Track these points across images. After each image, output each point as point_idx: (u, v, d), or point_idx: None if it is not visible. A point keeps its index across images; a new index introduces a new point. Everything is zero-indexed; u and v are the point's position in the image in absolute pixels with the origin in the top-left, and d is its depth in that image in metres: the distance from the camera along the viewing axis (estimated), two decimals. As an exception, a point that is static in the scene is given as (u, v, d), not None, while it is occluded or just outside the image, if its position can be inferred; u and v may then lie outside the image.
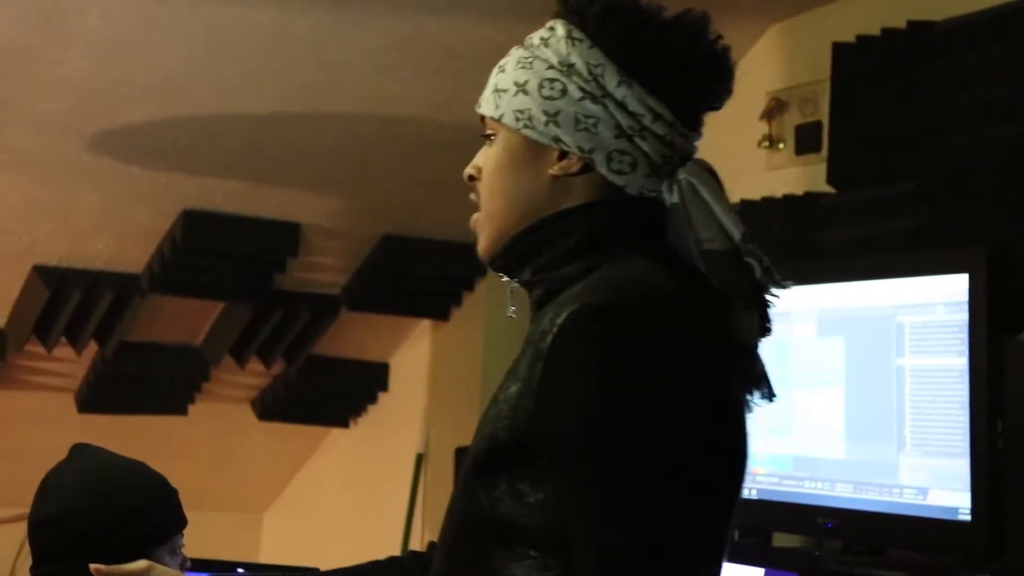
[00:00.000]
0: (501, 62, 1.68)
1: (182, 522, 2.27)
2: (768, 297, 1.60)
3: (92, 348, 4.81)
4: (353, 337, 5.11)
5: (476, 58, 3.87)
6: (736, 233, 1.57)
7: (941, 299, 2.93)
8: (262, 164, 4.23)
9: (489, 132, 1.69)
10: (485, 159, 1.69)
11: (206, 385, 5.13)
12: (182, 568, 2.20)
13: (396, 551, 4.91)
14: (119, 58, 3.73)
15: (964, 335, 2.86)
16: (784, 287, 1.59)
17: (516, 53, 1.67)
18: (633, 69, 1.60)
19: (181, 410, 5.15)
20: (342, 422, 5.45)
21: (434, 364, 5.14)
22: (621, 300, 1.51)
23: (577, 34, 1.61)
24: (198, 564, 2.35)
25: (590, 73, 1.60)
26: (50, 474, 2.27)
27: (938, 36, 3.28)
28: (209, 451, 5.43)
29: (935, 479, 2.93)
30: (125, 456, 2.31)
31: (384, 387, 5.34)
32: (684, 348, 1.51)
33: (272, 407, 5.30)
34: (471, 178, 1.72)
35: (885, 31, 3.40)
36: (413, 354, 5.22)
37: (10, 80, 3.74)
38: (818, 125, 3.67)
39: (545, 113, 1.61)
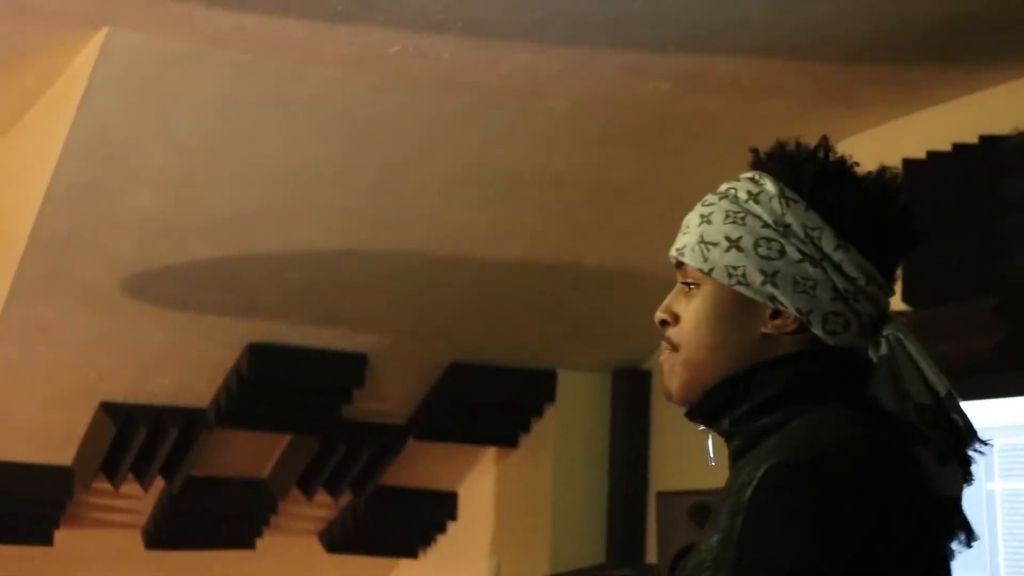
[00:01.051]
0: (702, 211, 1.68)
1: None
2: (971, 452, 1.61)
3: (159, 484, 4.77)
4: (421, 466, 5.05)
5: (539, 185, 3.87)
6: (942, 388, 1.59)
7: (1029, 420, 2.84)
8: (327, 296, 4.22)
9: (689, 280, 1.67)
10: (682, 307, 1.68)
11: (274, 519, 5.07)
12: None
13: None
14: (184, 194, 3.75)
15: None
16: (986, 443, 1.62)
17: (721, 205, 1.66)
18: (850, 233, 1.62)
19: (249, 544, 5.09)
20: (411, 553, 5.37)
21: (503, 492, 5.06)
22: (820, 455, 1.51)
23: (790, 194, 1.64)
24: None
25: (807, 235, 1.62)
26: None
27: (1011, 150, 3.23)
28: (278, 585, 5.36)
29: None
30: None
31: (453, 516, 5.26)
32: (885, 500, 1.51)
33: (340, 539, 5.23)
34: (663, 323, 1.70)
35: (956, 146, 3.35)
36: (482, 482, 5.15)
37: (77, 216, 3.76)
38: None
39: (762, 272, 1.62)
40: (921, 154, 3.43)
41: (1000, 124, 3.29)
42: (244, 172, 3.70)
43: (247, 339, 4.31)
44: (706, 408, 1.66)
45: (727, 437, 1.66)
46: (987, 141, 3.29)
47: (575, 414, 4.80)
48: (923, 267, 3.35)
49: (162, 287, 4.05)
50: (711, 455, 1.77)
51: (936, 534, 1.58)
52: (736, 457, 1.63)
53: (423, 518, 5.25)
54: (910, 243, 1.67)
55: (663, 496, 3.83)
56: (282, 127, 3.58)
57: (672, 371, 1.68)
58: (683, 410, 1.70)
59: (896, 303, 3.61)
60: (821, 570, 1.46)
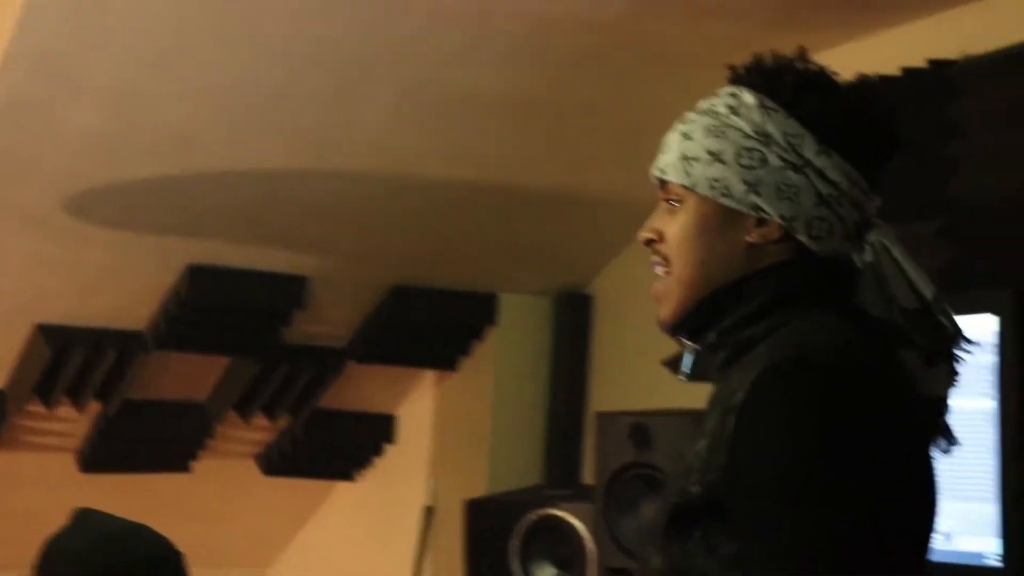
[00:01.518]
0: (682, 128, 1.70)
1: None
2: (958, 353, 1.65)
3: (94, 407, 4.74)
4: (360, 390, 5.06)
5: (489, 109, 3.85)
6: (928, 292, 1.62)
7: (970, 340, 2.88)
8: (270, 219, 4.19)
9: (672, 198, 1.69)
10: (667, 225, 1.69)
11: (210, 442, 5.06)
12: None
13: (405, 606, 4.84)
14: (126, 112, 3.69)
15: (993, 377, 2.82)
16: (973, 343, 1.66)
17: (701, 121, 1.68)
18: (831, 138, 1.64)
19: (184, 467, 5.08)
20: (348, 476, 5.38)
21: (442, 415, 5.08)
22: (812, 355, 1.54)
23: (769, 103, 1.65)
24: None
25: (788, 143, 1.64)
26: (53, 539, 2.25)
27: (960, 74, 3.25)
28: (213, 508, 5.35)
29: (962, 524, 2.88)
30: (128, 519, 2.28)
31: (391, 440, 5.28)
32: (876, 401, 1.53)
33: (277, 462, 5.23)
34: (649, 241, 1.72)
35: (906, 70, 3.37)
36: (421, 405, 5.17)
37: (17, 133, 3.70)
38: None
39: (744, 182, 1.64)
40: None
41: (949, 48, 3.31)
42: (188, 90, 3.65)
43: (187, 260, 4.28)
44: (693, 321, 1.67)
45: (713, 349, 1.67)
46: (936, 65, 3.31)
47: (516, 338, 4.82)
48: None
49: (102, 206, 4.00)
50: (686, 370, 1.77)
51: (923, 434, 1.61)
52: (722, 368, 1.65)
53: (361, 441, 5.26)
54: (892, 149, 1.69)
55: (602, 417, 3.86)
56: (228, 44, 3.53)
57: (668, 294, 1.69)
58: (668, 328, 1.70)
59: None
60: (817, 468, 1.48)
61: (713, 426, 1.57)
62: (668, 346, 4.18)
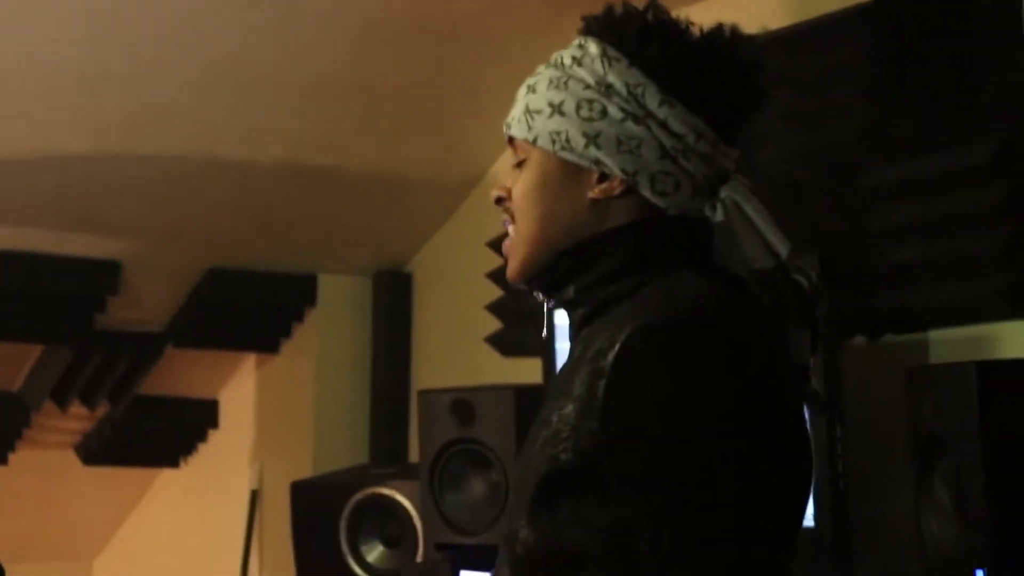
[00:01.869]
0: (529, 81, 1.65)
1: None
2: (818, 314, 1.58)
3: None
4: (180, 375, 4.98)
5: (298, 86, 3.82)
6: (783, 250, 1.56)
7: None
8: (79, 202, 4.10)
9: (520, 155, 1.65)
10: (516, 181, 1.65)
11: (27, 432, 4.95)
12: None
13: (233, 591, 4.80)
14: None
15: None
16: (831, 303, 1.61)
17: (546, 73, 1.64)
18: (675, 88, 1.57)
19: (1, 459, 4.95)
20: (172, 462, 5.30)
21: (265, 398, 5.04)
22: (685, 317, 1.49)
23: (613, 53, 1.59)
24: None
25: (630, 93, 1.58)
26: None
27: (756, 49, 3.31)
28: (33, 500, 5.24)
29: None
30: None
31: (214, 424, 5.21)
32: (747, 362, 1.49)
33: (97, 451, 5.13)
34: (499, 200, 1.68)
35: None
36: (243, 389, 5.11)
37: None
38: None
39: (584, 135, 1.58)
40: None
41: (749, 24, 3.36)
42: (-12, 72, 3.56)
43: (-15, 246, 4.17)
44: (550, 277, 1.63)
45: (570, 306, 1.63)
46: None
47: (336, 318, 4.79)
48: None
49: None
50: (545, 327, 1.74)
51: (787, 396, 1.55)
52: (581, 326, 1.61)
53: (183, 427, 5.19)
54: (748, 101, 1.62)
55: (424, 394, 3.86)
56: (26, 23, 3.43)
57: (512, 251, 1.66)
58: (517, 281, 1.67)
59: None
60: (692, 434, 1.44)
61: (581, 390, 1.51)
62: (490, 323, 4.24)
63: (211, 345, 4.81)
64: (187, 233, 4.39)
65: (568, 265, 1.62)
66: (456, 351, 4.52)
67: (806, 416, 1.58)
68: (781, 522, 1.51)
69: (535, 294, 1.68)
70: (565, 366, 1.60)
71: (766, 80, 1.63)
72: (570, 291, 1.62)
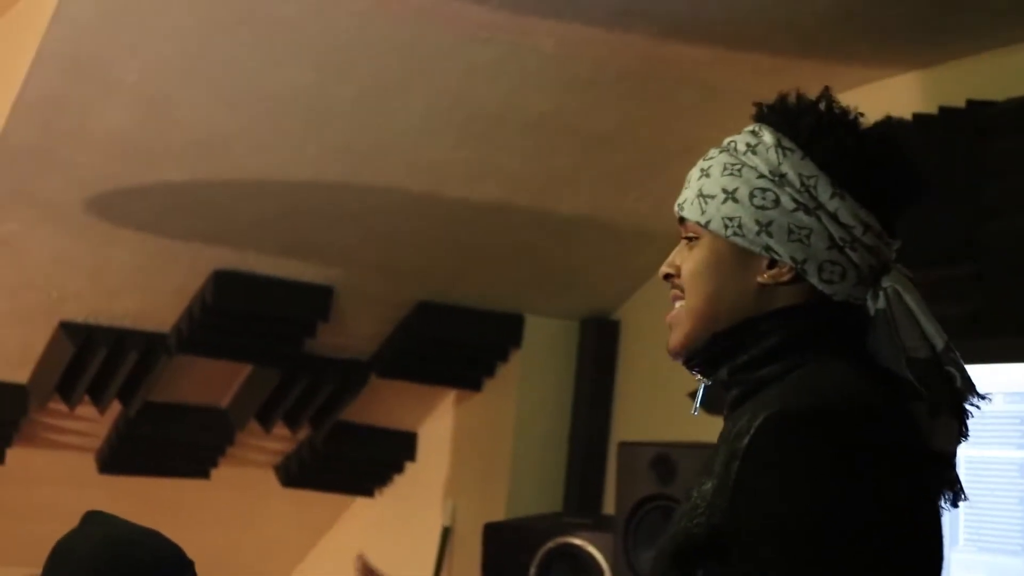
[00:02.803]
0: (702, 164, 1.70)
1: None
2: (967, 406, 1.62)
3: (115, 407, 4.72)
4: (382, 405, 5.02)
5: (519, 126, 3.82)
6: (939, 343, 1.60)
7: (1000, 388, 2.82)
8: (298, 227, 4.17)
9: (690, 234, 1.70)
10: (685, 259, 1.70)
11: (230, 449, 5.03)
12: (200, 640, 2.13)
13: (418, 627, 4.80)
14: (157, 114, 3.68)
15: (1023, 427, 2.76)
16: (984, 398, 1.63)
17: (720, 158, 1.69)
18: (846, 181, 1.62)
19: (203, 474, 5.05)
20: (367, 491, 5.34)
21: (462, 435, 5.04)
22: (821, 405, 1.53)
23: (787, 143, 1.64)
24: (216, 635, 2.26)
25: (803, 184, 1.63)
26: (63, 541, 2.22)
27: (998, 116, 3.20)
28: (230, 517, 5.33)
29: (990, 577, 2.81)
30: (140, 525, 2.26)
31: (412, 457, 5.23)
32: (881, 456, 1.52)
33: (296, 473, 5.20)
34: (667, 276, 1.73)
35: (943, 109, 3.32)
36: (442, 424, 5.13)
37: (46, 130, 3.69)
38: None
39: (757, 222, 1.63)
40: (907, 115, 3.39)
41: (987, 90, 3.27)
42: (219, 94, 3.64)
43: (213, 265, 4.26)
44: (706, 355, 1.67)
45: (725, 387, 1.67)
46: (973, 105, 3.26)
47: (540, 360, 4.77)
48: (905, 229, 3.32)
49: (129, 208, 3.99)
50: (697, 405, 1.77)
51: (929, 489, 1.58)
52: (733, 407, 1.64)
53: (381, 457, 5.22)
54: (910, 194, 1.66)
55: (625, 446, 3.81)
56: (260, 49, 3.51)
57: (676, 323, 1.70)
58: (680, 359, 1.70)
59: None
60: (818, 521, 1.46)
61: (719, 468, 1.56)
62: (693, 378, 4.16)
63: (414, 378, 4.84)
64: (399, 265, 4.42)
65: (725, 345, 1.66)
66: (658, 404, 4.45)
67: (942, 502, 1.61)
68: None
69: (693, 372, 1.72)
70: (716, 444, 1.63)
71: (923, 176, 1.68)
72: (724, 372, 1.67)
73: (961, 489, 1.62)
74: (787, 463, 1.50)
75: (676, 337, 1.69)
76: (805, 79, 3.72)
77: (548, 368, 4.77)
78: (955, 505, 1.62)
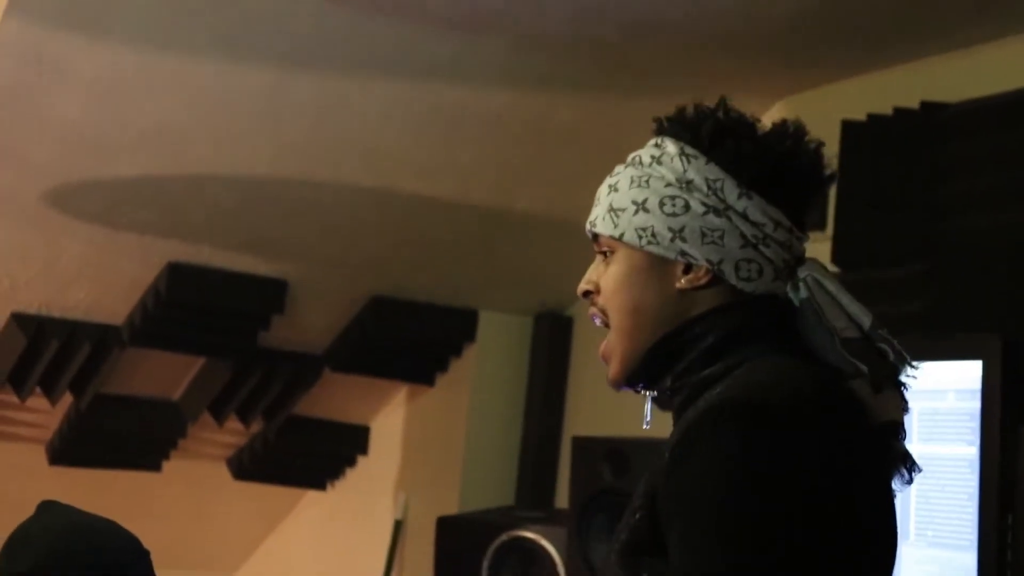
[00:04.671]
0: (609, 181, 1.74)
1: None
2: (904, 379, 1.64)
3: (67, 399, 4.70)
4: (335, 399, 5.02)
5: (474, 124, 3.83)
6: (866, 321, 1.64)
7: (952, 386, 2.85)
8: (253, 221, 4.16)
9: (604, 249, 1.72)
10: (602, 276, 1.72)
11: (182, 442, 5.01)
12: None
13: (369, 620, 4.80)
14: (113, 106, 3.66)
15: (975, 424, 2.79)
16: (916, 368, 1.66)
17: (627, 173, 1.72)
18: (751, 181, 1.66)
19: (155, 466, 5.03)
20: (319, 484, 5.34)
21: (415, 429, 5.05)
22: (759, 397, 1.55)
23: (690, 150, 1.67)
24: (167, 627, 2.27)
25: (709, 188, 1.66)
26: (20, 530, 2.21)
27: (952, 118, 3.25)
28: (182, 509, 5.31)
29: (941, 572, 2.85)
30: (95, 515, 2.25)
31: (364, 451, 5.24)
32: (819, 449, 1.53)
33: (248, 466, 5.18)
34: (586, 293, 1.75)
35: (897, 111, 3.36)
36: (395, 418, 5.13)
37: (1, 122, 3.66)
38: (823, 202, 3.61)
39: (669, 229, 1.66)
40: (862, 116, 3.43)
41: (942, 92, 3.30)
42: (176, 88, 3.62)
43: (167, 258, 4.24)
44: (646, 371, 1.69)
45: (671, 394, 1.68)
46: (927, 107, 3.29)
47: (494, 355, 4.79)
48: (857, 230, 3.36)
49: (84, 200, 3.96)
50: (647, 418, 1.78)
51: (879, 469, 1.61)
52: (680, 411, 1.65)
53: (334, 451, 5.22)
54: (816, 187, 1.71)
55: (578, 441, 3.83)
56: (217, 44, 3.49)
57: (610, 354, 1.72)
58: (622, 386, 1.72)
59: (828, 266, 3.65)
60: (748, 496, 1.48)
61: (660, 463, 1.58)
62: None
63: (368, 372, 4.84)
64: (354, 259, 4.42)
65: (661, 356, 1.68)
66: (611, 400, 4.44)
67: (895, 478, 1.64)
68: None
69: (638, 391, 1.74)
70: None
71: (828, 170, 1.72)
72: (667, 380, 1.69)
73: (914, 463, 1.65)
74: (716, 448, 1.51)
75: (613, 368, 1.71)
76: (761, 81, 3.78)
77: (502, 363, 4.79)
78: (910, 481, 1.64)
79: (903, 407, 1.65)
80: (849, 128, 3.44)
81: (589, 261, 1.76)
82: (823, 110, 3.63)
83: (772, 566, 1.46)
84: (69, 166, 3.84)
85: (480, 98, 3.73)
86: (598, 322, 1.74)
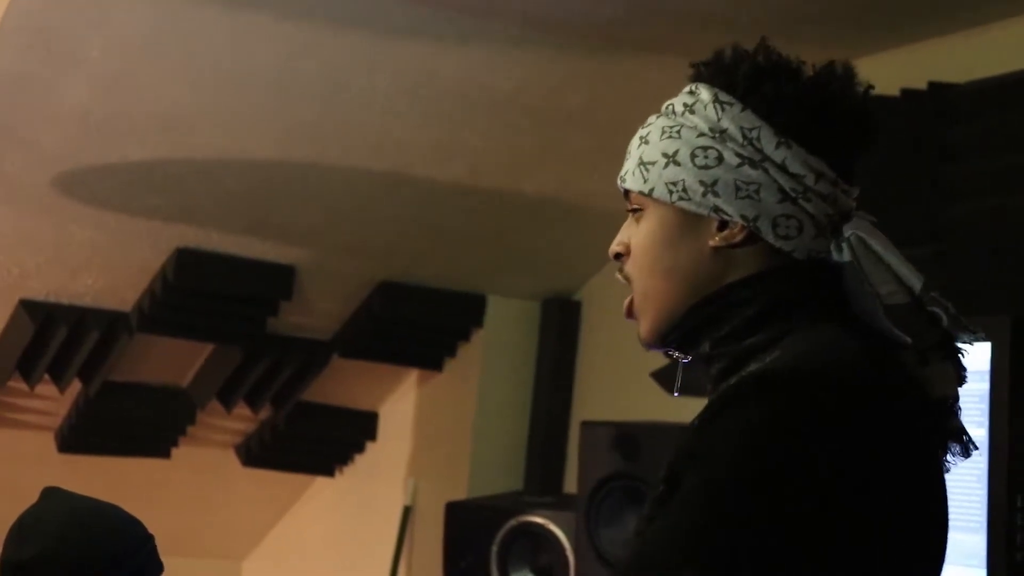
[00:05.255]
0: (641, 132, 1.62)
1: (159, 568, 2.22)
2: (959, 345, 1.53)
3: (76, 386, 4.70)
4: (343, 385, 5.02)
5: (485, 106, 3.82)
6: (916, 283, 1.52)
7: (961, 368, 2.84)
8: (261, 206, 4.16)
9: (635, 207, 1.61)
10: (633, 234, 1.61)
11: (191, 428, 5.02)
12: (158, 616, 2.14)
13: (379, 606, 4.80)
14: (121, 91, 3.65)
15: (984, 406, 2.78)
16: (975, 333, 1.54)
17: (659, 123, 1.60)
18: (790, 129, 1.53)
19: (164, 453, 5.04)
20: (328, 471, 5.34)
21: (424, 415, 5.05)
22: (807, 369, 1.43)
23: (725, 97, 1.56)
24: (175, 613, 2.27)
25: (745, 137, 1.54)
26: (26, 515, 2.23)
27: (960, 98, 3.23)
28: (190, 496, 5.32)
29: (950, 555, 2.82)
30: (99, 500, 2.26)
31: (373, 436, 5.24)
32: (861, 421, 1.41)
33: (257, 453, 5.19)
34: (617, 256, 1.63)
35: (905, 91, 3.34)
36: (403, 404, 5.13)
37: (8, 107, 3.66)
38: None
39: (701, 183, 1.54)
40: (870, 98, 3.42)
41: (948, 72, 3.29)
42: (185, 72, 3.62)
43: (175, 243, 4.24)
44: (683, 330, 1.58)
45: (707, 361, 1.57)
46: (935, 87, 3.28)
47: (502, 340, 4.78)
48: (866, 211, 3.34)
49: (92, 185, 3.97)
50: (677, 384, 1.69)
51: (927, 445, 1.50)
52: (718, 381, 1.55)
53: (342, 437, 5.22)
54: (861, 136, 1.58)
55: (587, 426, 3.83)
56: (224, 25, 3.49)
57: (641, 312, 1.60)
58: (655, 346, 1.61)
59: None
60: (774, 487, 1.37)
61: (692, 430, 1.48)
62: (656, 359, 4.18)
63: (376, 357, 4.84)
64: (362, 244, 4.42)
65: (700, 319, 1.56)
66: (620, 384, 4.47)
67: (946, 455, 1.54)
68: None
69: (669, 353, 1.63)
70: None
71: (875, 116, 1.59)
72: (705, 346, 1.57)
73: (969, 439, 1.54)
74: (747, 418, 1.40)
75: (645, 326, 1.60)
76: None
77: (510, 348, 4.79)
78: (966, 455, 1.54)
79: (957, 378, 1.54)
80: (857, 110, 3.42)
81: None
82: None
83: (768, 550, 1.36)
84: (77, 152, 3.84)
85: (488, 81, 3.72)
86: (624, 282, 1.63)
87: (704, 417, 1.47)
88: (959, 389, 1.55)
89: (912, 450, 1.47)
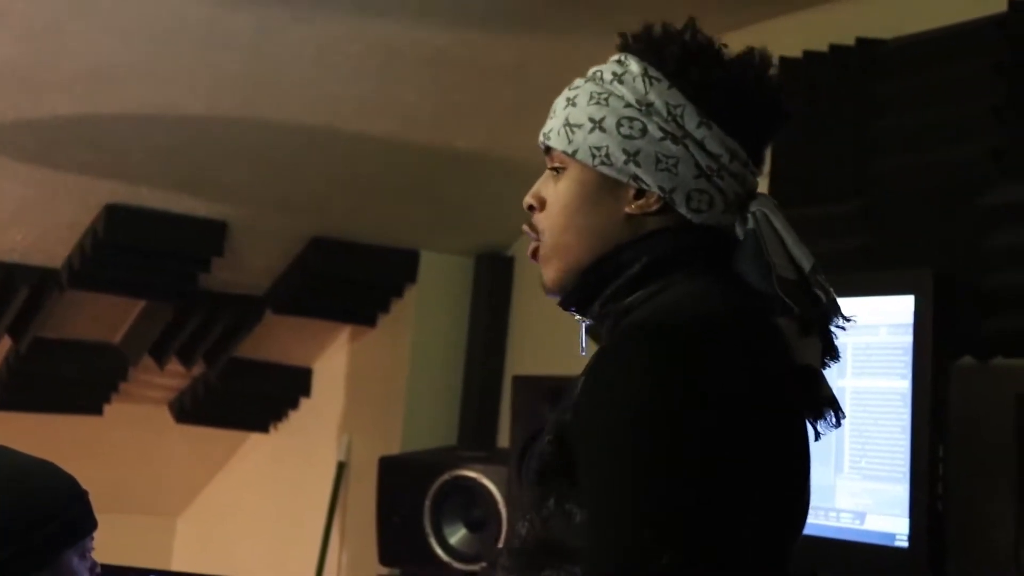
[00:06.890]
0: (568, 94, 1.69)
1: (92, 524, 2.19)
2: (832, 328, 1.63)
3: (5, 343, 4.66)
4: (277, 341, 5.01)
5: (416, 60, 3.80)
6: (806, 264, 1.60)
7: (885, 320, 2.88)
8: (192, 161, 4.13)
9: (556, 165, 1.68)
10: (550, 191, 1.68)
11: (123, 385, 5.00)
12: (92, 573, 2.11)
13: (313, 561, 4.81)
14: (47, 44, 3.61)
15: (908, 358, 2.82)
16: (848, 320, 1.63)
17: (587, 88, 1.67)
18: (712, 111, 1.62)
19: (96, 410, 5.02)
20: (262, 427, 5.34)
21: (357, 371, 5.05)
22: (671, 320, 1.52)
23: (654, 73, 1.64)
24: (108, 570, 2.25)
25: (670, 114, 1.62)
26: (-48, 474, 2.19)
27: (887, 54, 3.26)
28: (124, 452, 5.30)
29: (873, 504, 2.88)
30: (32, 455, 2.24)
31: (307, 392, 5.24)
32: (728, 372, 1.49)
33: (190, 409, 5.18)
34: (531, 207, 1.71)
35: (833, 47, 3.37)
36: (337, 360, 5.13)
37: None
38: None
39: (624, 151, 1.62)
40: (798, 53, 3.44)
41: (876, 29, 3.31)
42: (111, 24, 3.57)
43: (105, 199, 4.21)
44: (578, 293, 1.66)
45: (600, 320, 1.65)
46: (863, 43, 3.30)
47: (435, 296, 4.79)
48: (794, 166, 3.37)
49: (19, 140, 3.92)
50: (583, 344, 1.75)
51: (794, 405, 1.58)
52: (608, 338, 1.62)
53: (276, 393, 5.22)
54: (775, 122, 1.68)
55: (519, 380, 3.84)
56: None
57: (546, 261, 1.68)
58: (555, 300, 1.69)
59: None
60: (658, 427, 1.44)
61: (573, 391, 1.55)
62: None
63: (309, 313, 4.83)
64: (294, 200, 4.40)
65: (593, 279, 1.64)
66: (553, 339, 4.48)
67: (814, 421, 1.61)
68: (760, 526, 1.49)
69: (571, 311, 1.70)
70: None
71: (786, 104, 1.69)
72: (596, 306, 1.65)
73: (839, 408, 1.62)
74: (628, 374, 1.48)
75: (549, 275, 1.68)
76: (700, 19, 3.74)
77: (443, 304, 4.79)
78: (837, 424, 1.61)
79: (826, 356, 1.63)
80: (785, 65, 3.44)
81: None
82: (759, 47, 3.62)
83: (675, 496, 1.43)
84: (4, 106, 3.79)
85: (421, 36, 3.70)
86: (532, 237, 1.69)
87: (585, 382, 1.53)
88: (831, 366, 1.64)
89: (779, 398, 1.54)
